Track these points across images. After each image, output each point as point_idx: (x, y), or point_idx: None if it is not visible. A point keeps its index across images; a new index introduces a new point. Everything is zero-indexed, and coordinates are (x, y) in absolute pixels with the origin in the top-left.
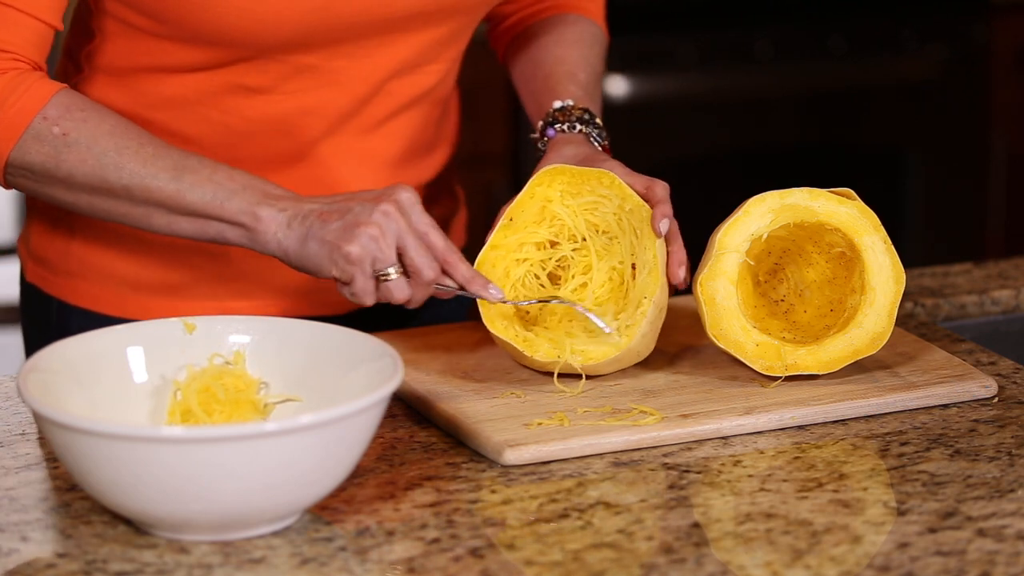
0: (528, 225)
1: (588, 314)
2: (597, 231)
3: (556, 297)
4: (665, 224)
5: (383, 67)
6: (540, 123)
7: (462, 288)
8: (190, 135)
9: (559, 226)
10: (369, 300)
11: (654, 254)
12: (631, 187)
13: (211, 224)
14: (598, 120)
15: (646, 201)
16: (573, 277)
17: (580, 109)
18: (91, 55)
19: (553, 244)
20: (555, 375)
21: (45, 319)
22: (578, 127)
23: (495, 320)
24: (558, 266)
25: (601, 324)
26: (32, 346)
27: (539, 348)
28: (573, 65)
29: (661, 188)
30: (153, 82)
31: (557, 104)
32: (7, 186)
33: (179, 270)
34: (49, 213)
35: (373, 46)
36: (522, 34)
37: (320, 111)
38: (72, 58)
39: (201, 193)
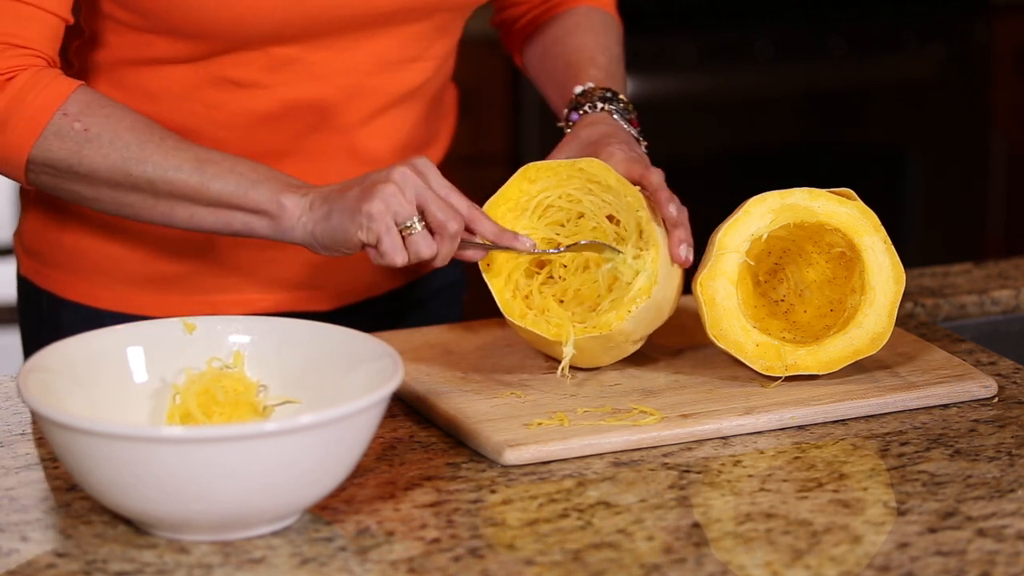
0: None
1: (615, 248)
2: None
3: (586, 240)
4: (674, 208)
5: (365, 61)
6: (564, 110)
7: (492, 243)
8: (177, 130)
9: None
10: (400, 258)
11: (651, 233)
12: (626, 176)
13: (235, 215)
14: (621, 97)
15: (643, 189)
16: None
17: (601, 89)
18: (81, 51)
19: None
20: (565, 362)
21: (37, 312)
22: (600, 106)
23: (508, 304)
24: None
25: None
26: (28, 340)
27: (548, 327)
28: (591, 51)
29: (656, 176)
30: (139, 76)
31: (578, 89)
32: (29, 184)
33: (169, 264)
34: (41, 207)
35: (354, 40)
36: (535, 33)
37: (304, 106)
38: (64, 55)
39: (224, 184)
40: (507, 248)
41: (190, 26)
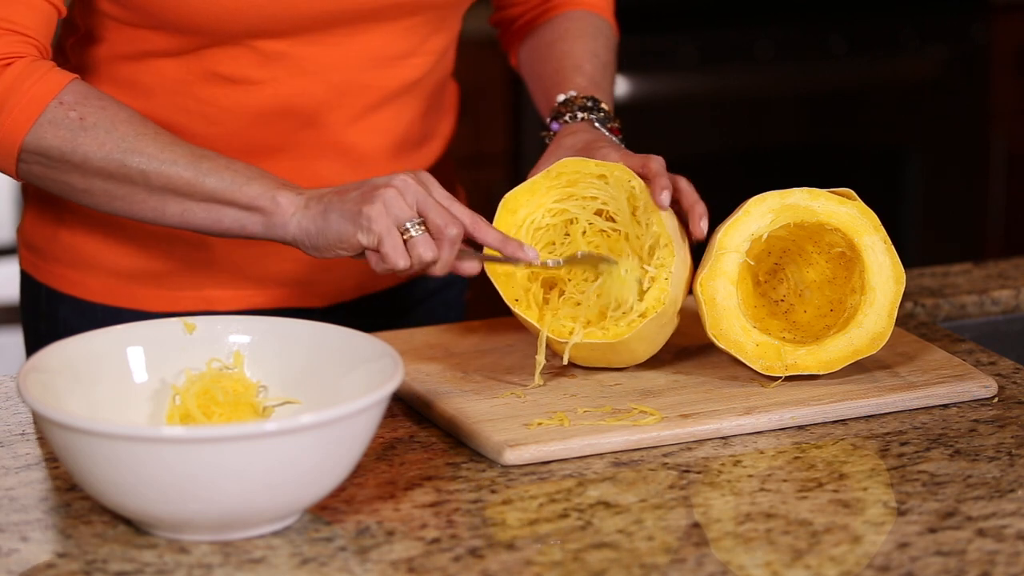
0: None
1: (610, 260)
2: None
3: (585, 253)
4: (666, 196)
5: (357, 57)
6: (547, 119)
7: (498, 250)
8: (170, 126)
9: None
10: (402, 261)
11: (666, 234)
12: (629, 168)
13: (227, 211)
14: (603, 105)
15: (643, 179)
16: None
17: (583, 98)
18: (77, 47)
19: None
20: (565, 355)
21: (36, 306)
22: (580, 115)
23: (517, 300)
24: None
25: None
26: (28, 334)
27: (555, 325)
28: (579, 58)
29: (656, 163)
30: (133, 71)
31: (561, 98)
32: (19, 177)
33: (163, 259)
34: (41, 202)
35: (344, 35)
36: (530, 35)
37: (296, 102)
38: (61, 51)
39: (219, 179)
40: (511, 259)
41: (178, 20)
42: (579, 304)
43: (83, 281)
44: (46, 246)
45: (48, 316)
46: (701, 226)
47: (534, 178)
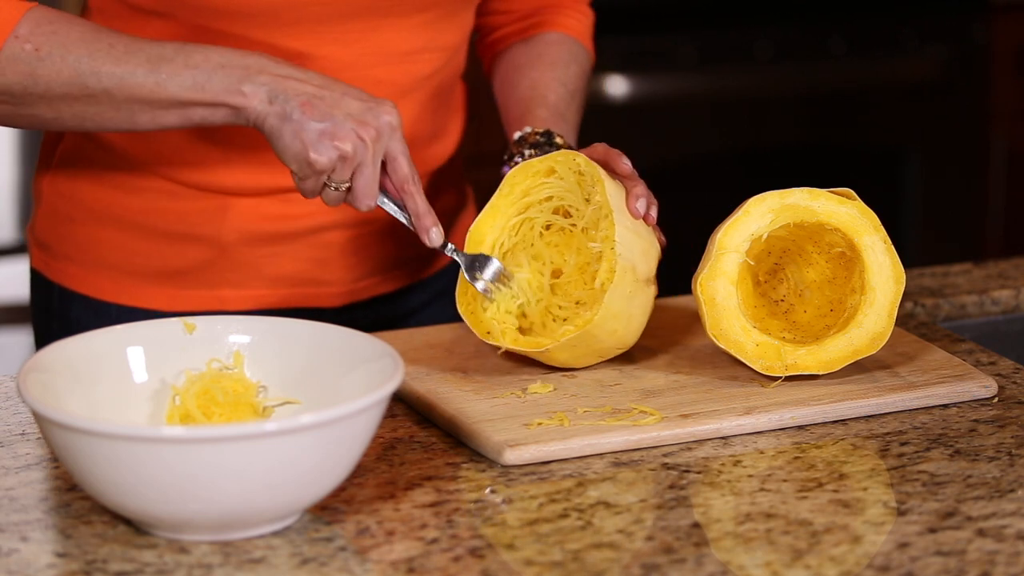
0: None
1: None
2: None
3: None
4: (642, 204)
5: (373, 53)
6: (504, 157)
7: (411, 219)
8: None
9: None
10: (310, 197)
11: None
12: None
13: (196, 111)
14: (557, 139)
15: (601, 164)
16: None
17: (536, 134)
18: None
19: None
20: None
21: (47, 305)
22: (527, 153)
23: (488, 333)
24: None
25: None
26: (39, 332)
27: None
28: (544, 88)
29: (602, 145)
30: None
31: (516, 135)
32: None
33: (176, 258)
34: (53, 200)
35: (358, 31)
36: (504, 52)
37: None
38: None
39: (180, 82)
40: (417, 231)
41: (190, 9)
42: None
43: (96, 280)
44: (58, 244)
45: (60, 315)
46: (637, 207)
47: (491, 201)
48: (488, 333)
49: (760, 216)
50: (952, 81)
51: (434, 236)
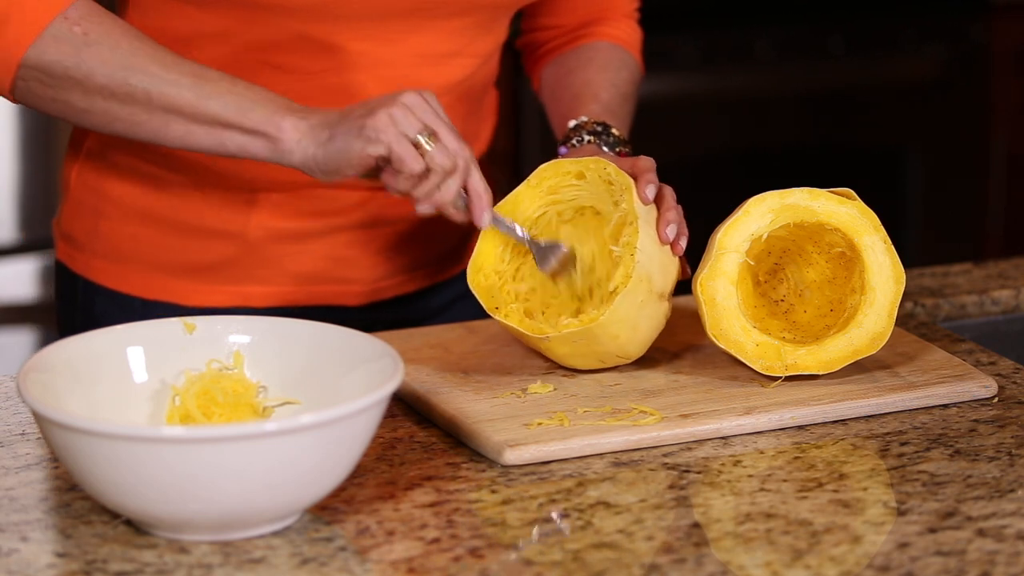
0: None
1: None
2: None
3: (547, 241)
4: (652, 190)
5: (408, 54)
6: (559, 145)
7: (466, 193)
8: None
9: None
10: (417, 164)
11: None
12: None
13: (231, 135)
14: (614, 131)
15: (632, 177)
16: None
17: (593, 123)
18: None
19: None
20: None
21: (72, 298)
22: (587, 139)
23: (497, 309)
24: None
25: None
26: (63, 325)
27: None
28: (597, 87)
29: (645, 161)
30: (180, 51)
31: (572, 123)
32: (15, 97)
33: (201, 253)
34: (80, 194)
35: (397, 31)
36: (554, 62)
37: (345, 95)
38: None
39: (222, 102)
40: (470, 207)
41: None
42: (551, 307)
43: (121, 273)
44: (84, 238)
45: (84, 308)
46: (667, 232)
47: (516, 190)
48: (496, 308)
49: (760, 216)
50: (952, 81)
51: (486, 220)
